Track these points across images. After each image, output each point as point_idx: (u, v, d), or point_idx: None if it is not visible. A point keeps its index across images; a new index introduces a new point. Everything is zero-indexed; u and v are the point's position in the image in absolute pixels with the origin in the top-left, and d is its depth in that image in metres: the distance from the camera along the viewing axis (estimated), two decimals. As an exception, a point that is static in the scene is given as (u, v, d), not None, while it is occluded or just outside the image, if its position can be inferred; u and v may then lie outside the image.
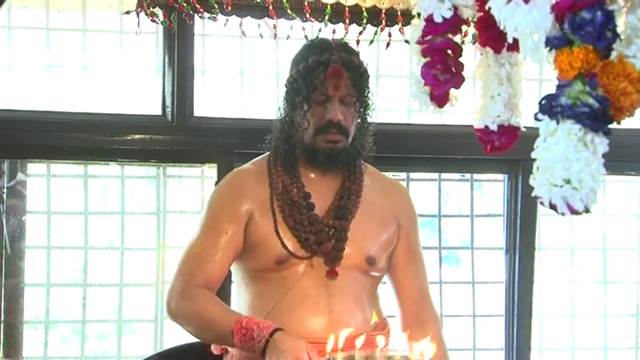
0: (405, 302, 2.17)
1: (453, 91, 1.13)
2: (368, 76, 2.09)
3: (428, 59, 1.12)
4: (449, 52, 1.10)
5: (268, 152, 2.16)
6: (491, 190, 3.02)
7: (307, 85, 2.02)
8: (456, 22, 1.11)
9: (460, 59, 1.12)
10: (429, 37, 1.11)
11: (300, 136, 2.06)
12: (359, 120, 2.09)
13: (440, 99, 1.12)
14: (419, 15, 1.11)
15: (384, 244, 2.12)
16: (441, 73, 1.11)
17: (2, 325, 2.67)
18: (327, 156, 2.06)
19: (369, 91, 2.09)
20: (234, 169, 2.27)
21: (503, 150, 1.16)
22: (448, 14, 1.09)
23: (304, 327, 2.00)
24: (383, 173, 2.29)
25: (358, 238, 2.07)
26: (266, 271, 2.08)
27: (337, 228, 2.05)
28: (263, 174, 2.13)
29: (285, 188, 2.09)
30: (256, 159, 2.20)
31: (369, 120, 2.14)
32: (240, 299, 2.15)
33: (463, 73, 1.13)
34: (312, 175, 2.11)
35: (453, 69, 1.12)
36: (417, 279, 2.18)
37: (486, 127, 1.16)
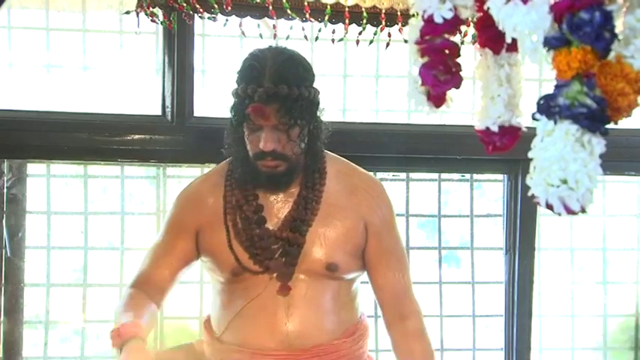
0: (383, 300, 2.13)
1: (449, 91, 1.13)
2: (307, 96, 1.97)
3: (426, 59, 1.12)
4: (447, 52, 1.10)
5: (229, 159, 2.12)
6: (491, 190, 3.02)
7: (239, 114, 1.98)
8: (455, 23, 1.11)
9: (458, 60, 1.12)
10: (427, 37, 1.11)
11: (246, 153, 2.02)
12: (305, 136, 2.01)
13: (437, 99, 1.12)
14: (417, 15, 1.11)
15: (348, 249, 2.06)
16: (442, 73, 1.11)
17: (2, 325, 2.68)
18: (268, 179, 2.01)
19: (310, 108, 1.99)
20: (195, 179, 2.25)
21: (505, 150, 1.17)
22: (449, 15, 1.09)
23: (262, 339, 2.00)
24: (355, 167, 2.19)
25: (318, 245, 2.02)
26: (227, 282, 2.08)
27: (290, 241, 2.01)
28: (219, 185, 2.11)
29: (237, 202, 2.06)
30: (217, 167, 2.18)
31: (320, 126, 2.06)
32: (212, 306, 2.16)
33: (461, 73, 1.13)
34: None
35: (453, 69, 1.12)
36: (394, 276, 2.11)
37: (487, 128, 1.16)
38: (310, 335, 2.00)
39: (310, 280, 2.02)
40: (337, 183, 2.10)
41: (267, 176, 2.00)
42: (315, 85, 2.05)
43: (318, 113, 2.05)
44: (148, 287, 2.10)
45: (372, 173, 2.31)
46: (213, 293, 2.16)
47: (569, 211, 0.90)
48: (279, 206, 2.05)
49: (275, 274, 2.00)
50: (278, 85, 1.92)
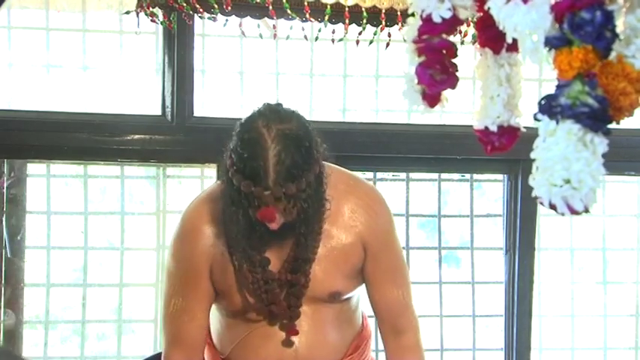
0: (379, 314, 2.07)
1: (444, 92, 1.13)
2: (313, 179, 1.81)
3: (423, 58, 1.11)
4: (444, 52, 1.10)
5: (222, 188, 1.88)
6: (490, 190, 3.02)
7: (241, 208, 1.80)
8: (453, 23, 1.11)
9: (454, 60, 1.12)
10: (425, 37, 1.11)
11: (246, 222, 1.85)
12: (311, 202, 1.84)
13: (432, 99, 1.12)
14: (415, 14, 1.11)
15: (348, 272, 1.99)
16: (439, 73, 1.11)
17: (2, 325, 2.68)
18: (274, 237, 1.87)
19: (316, 182, 1.83)
20: (187, 212, 2.04)
21: (504, 150, 1.16)
22: (447, 15, 1.09)
23: None
24: (356, 182, 2.08)
25: (319, 275, 1.94)
26: (234, 315, 2.01)
27: (293, 282, 1.92)
28: (217, 217, 1.95)
29: (228, 233, 1.92)
30: (210, 194, 2.01)
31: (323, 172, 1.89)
32: (213, 323, 2.07)
33: (457, 74, 1.13)
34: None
35: (450, 69, 1.12)
36: (391, 292, 2.04)
37: (486, 127, 1.15)
38: (318, 356, 1.98)
39: (316, 306, 1.98)
40: (337, 203, 1.95)
41: (273, 234, 1.85)
42: (316, 151, 1.86)
43: (322, 163, 1.89)
44: (191, 349, 2.00)
45: (372, 183, 2.24)
46: (214, 313, 2.06)
47: (573, 211, 0.90)
48: (281, 245, 1.92)
49: (281, 318, 1.95)
50: (285, 185, 1.75)
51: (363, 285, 2.08)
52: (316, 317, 1.99)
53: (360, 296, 2.13)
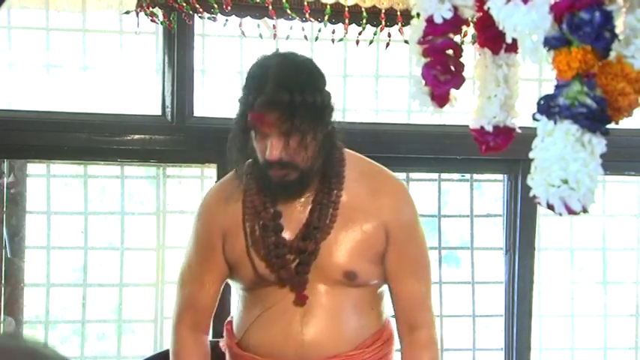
0: (397, 308, 2.06)
1: (453, 91, 1.13)
2: (312, 101, 1.88)
3: (428, 59, 1.12)
4: (449, 52, 1.10)
5: (250, 160, 2.00)
6: (490, 190, 3.02)
7: (244, 122, 1.91)
8: (456, 23, 1.11)
9: (460, 59, 1.12)
10: (429, 38, 1.11)
11: (256, 159, 1.95)
12: (317, 141, 1.91)
13: (440, 99, 1.12)
14: (418, 15, 1.11)
15: (368, 256, 1.99)
16: (441, 73, 1.11)
17: (2, 325, 2.68)
18: (280, 187, 1.94)
19: (318, 113, 1.90)
20: (214, 185, 2.19)
21: (498, 150, 1.16)
22: (448, 15, 1.09)
23: (276, 347, 1.97)
24: (380, 169, 2.09)
25: (336, 252, 1.96)
26: (246, 290, 2.06)
27: (302, 249, 1.95)
28: (239, 189, 2.03)
29: (255, 208, 2.00)
30: (228, 176, 2.11)
31: (334, 130, 1.98)
32: (235, 309, 2.14)
33: (463, 73, 1.13)
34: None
35: (454, 69, 1.12)
36: (412, 285, 2.03)
37: (482, 127, 1.16)
38: (326, 345, 1.95)
39: (328, 289, 1.97)
40: (359, 185, 2.01)
41: (278, 185, 1.93)
42: (325, 89, 1.95)
43: (332, 117, 1.97)
44: (197, 316, 2.08)
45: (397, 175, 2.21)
46: (236, 296, 2.14)
47: (571, 212, 0.90)
48: (298, 213, 1.98)
49: (289, 284, 1.96)
50: (279, 92, 1.85)
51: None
52: (330, 303, 1.98)
53: (384, 298, 2.10)
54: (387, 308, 2.13)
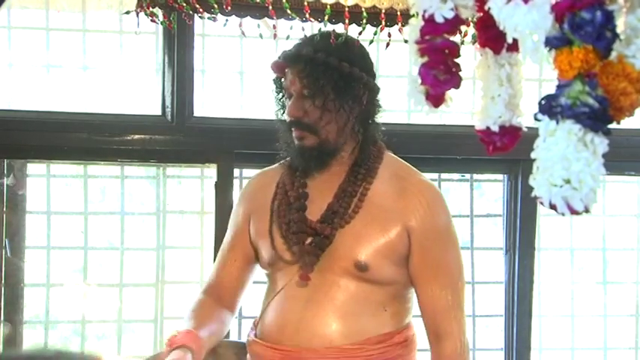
0: (424, 315, 2.04)
1: (448, 91, 1.13)
2: (337, 67, 1.94)
3: (426, 59, 1.12)
4: (447, 52, 1.10)
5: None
6: (490, 190, 3.02)
7: (276, 84, 2.03)
8: (456, 23, 1.11)
9: (457, 59, 1.12)
10: (428, 37, 1.11)
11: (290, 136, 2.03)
12: (343, 114, 1.96)
13: (436, 99, 1.12)
14: (417, 14, 1.11)
15: (385, 252, 1.97)
16: (442, 73, 1.11)
17: (2, 325, 2.67)
18: (298, 154, 2.00)
19: (345, 83, 1.95)
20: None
21: (506, 150, 1.16)
22: (450, 15, 1.09)
23: (276, 333, 1.99)
24: (414, 172, 2.11)
25: (349, 241, 1.96)
26: (268, 275, 2.10)
27: (318, 231, 1.97)
28: (277, 174, 2.12)
29: (284, 187, 2.06)
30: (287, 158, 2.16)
31: (371, 118, 2.04)
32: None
33: (461, 73, 1.13)
34: (316, 175, 2.05)
35: (453, 69, 1.12)
36: (435, 292, 1.99)
37: (488, 128, 1.15)
38: (320, 334, 1.94)
39: (338, 279, 1.96)
40: (389, 185, 2.03)
41: (297, 152, 1.99)
42: (368, 72, 2.02)
43: (372, 106, 2.02)
44: (219, 290, 2.14)
45: (431, 180, 2.21)
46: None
47: (573, 211, 0.90)
48: (324, 197, 2.01)
49: (299, 261, 1.97)
50: (304, 46, 1.94)
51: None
52: (335, 294, 1.96)
53: (408, 303, 2.07)
54: (410, 315, 2.09)
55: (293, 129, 1.98)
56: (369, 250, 1.96)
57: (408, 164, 2.14)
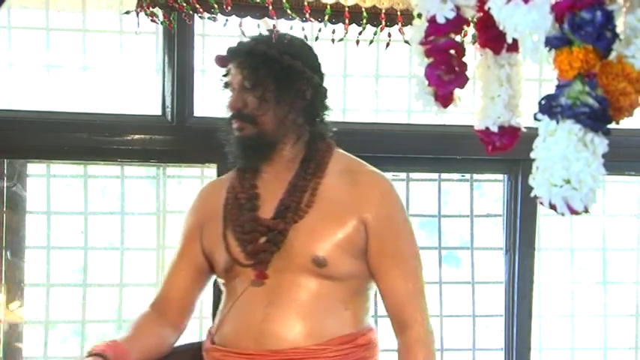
0: (386, 308, 2.03)
1: (456, 91, 1.13)
2: (278, 59, 1.97)
3: (431, 60, 1.12)
4: (452, 52, 1.11)
5: None
6: (490, 190, 3.02)
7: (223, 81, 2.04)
8: (458, 23, 1.11)
9: (463, 59, 1.12)
10: (431, 38, 1.11)
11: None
12: (279, 103, 1.97)
13: (444, 99, 1.12)
14: (420, 15, 1.11)
15: (342, 245, 1.95)
16: (445, 73, 1.11)
17: (2, 325, 2.67)
18: (238, 146, 2.00)
19: (286, 76, 1.97)
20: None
21: (505, 150, 1.17)
22: (451, 15, 1.09)
23: (238, 339, 1.96)
24: (364, 165, 2.10)
25: (305, 238, 1.94)
26: (224, 284, 2.07)
27: (271, 227, 1.96)
28: (227, 181, 2.12)
29: (234, 190, 2.05)
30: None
31: (317, 114, 2.04)
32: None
33: (466, 73, 1.13)
34: (265, 175, 2.05)
35: (457, 69, 1.12)
36: (396, 282, 1.98)
37: (487, 128, 1.16)
38: (285, 336, 1.92)
39: (297, 279, 1.94)
40: (340, 178, 2.03)
41: (238, 142, 1.99)
42: (312, 69, 2.04)
43: (312, 97, 2.02)
44: (164, 304, 2.13)
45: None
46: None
47: (573, 212, 0.90)
48: (275, 195, 2.01)
49: (254, 260, 1.95)
50: (245, 41, 1.99)
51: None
52: (296, 294, 1.94)
53: (367, 302, 2.07)
54: (369, 315, 2.07)
55: (233, 121, 1.99)
56: (326, 245, 1.95)
57: (358, 159, 2.12)
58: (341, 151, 2.11)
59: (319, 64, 2.09)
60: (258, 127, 1.97)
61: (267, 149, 2.00)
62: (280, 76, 1.96)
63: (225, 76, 2.04)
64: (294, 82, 1.98)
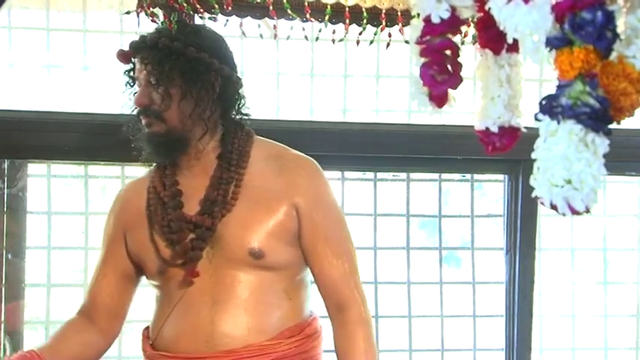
0: (322, 290, 1.99)
1: (451, 91, 1.13)
2: (182, 51, 1.90)
3: (426, 59, 1.12)
4: (447, 52, 1.11)
5: None
6: (491, 190, 3.02)
7: (128, 76, 2.01)
8: (454, 23, 1.11)
9: (458, 60, 1.12)
10: (427, 38, 1.11)
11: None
12: (186, 97, 1.91)
13: (439, 99, 1.12)
14: (418, 15, 1.11)
15: (276, 233, 1.92)
16: (438, 73, 1.11)
17: (2, 325, 2.67)
18: (149, 144, 1.95)
19: (192, 68, 1.90)
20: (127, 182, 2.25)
21: (504, 150, 1.17)
22: (446, 15, 1.09)
23: (187, 342, 1.92)
24: (288, 149, 2.06)
25: (238, 230, 1.90)
26: (159, 287, 2.03)
27: (199, 225, 1.92)
28: (146, 181, 2.07)
29: (155, 190, 2.01)
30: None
31: (233, 105, 2.00)
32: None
33: (461, 73, 1.13)
34: (186, 170, 2.00)
35: (451, 69, 1.12)
36: (330, 263, 1.95)
37: (487, 128, 1.16)
38: (236, 335, 1.88)
39: (237, 273, 1.91)
40: (265, 165, 1.98)
41: (147, 138, 1.95)
42: (221, 60, 1.98)
43: (223, 88, 1.96)
44: (90, 309, 2.10)
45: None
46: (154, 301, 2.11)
47: (574, 212, 0.90)
48: (199, 190, 1.96)
49: (184, 259, 1.91)
50: (147, 36, 1.93)
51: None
52: (239, 290, 1.91)
53: (307, 290, 2.04)
54: (311, 302, 2.06)
55: (141, 117, 1.94)
56: (260, 236, 1.91)
57: (279, 144, 2.08)
58: (261, 138, 2.06)
59: (230, 53, 2.03)
60: (166, 124, 1.92)
61: (178, 145, 1.95)
62: (186, 69, 1.90)
63: (131, 71, 1.98)
64: (201, 75, 1.92)
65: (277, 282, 1.95)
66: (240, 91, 2.03)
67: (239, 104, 2.03)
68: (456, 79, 1.12)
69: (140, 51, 1.93)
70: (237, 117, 2.03)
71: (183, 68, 1.90)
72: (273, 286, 1.94)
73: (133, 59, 1.97)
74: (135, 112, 1.98)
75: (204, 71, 1.93)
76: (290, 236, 1.95)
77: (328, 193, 2.02)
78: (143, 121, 1.95)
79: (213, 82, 1.94)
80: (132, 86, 2.00)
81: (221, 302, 1.90)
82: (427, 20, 1.10)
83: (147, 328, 2.11)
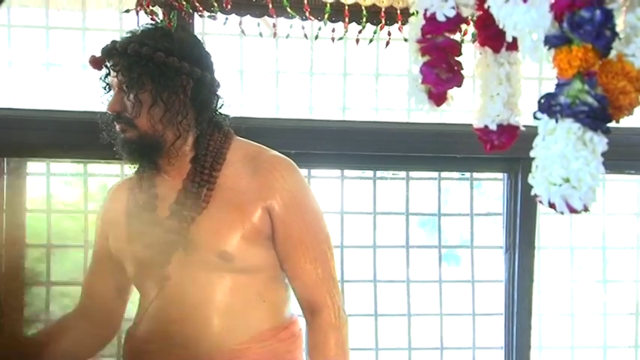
0: (296, 292, 1.99)
1: (449, 90, 1.13)
2: (151, 56, 1.88)
3: (428, 58, 1.12)
4: (448, 50, 1.11)
5: None
6: (490, 188, 3.02)
7: (103, 81, 2.01)
8: (457, 21, 1.11)
9: (458, 58, 1.12)
10: (429, 36, 1.11)
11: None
12: (156, 103, 1.89)
13: (438, 98, 1.13)
14: (417, 13, 1.11)
15: (247, 236, 1.90)
16: (444, 72, 1.11)
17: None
18: (123, 149, 1.96)
19: (163, 74, 1.89)
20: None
21: (503, 149, 1.17)
22: (451, 13, 1.09)
23: (156, 345, 1.93)
24: (264, 149, 2.03)
25: (209, 233, 1.89)
26: (135, 282, 2.07)
27: (169, 228, 1.92)
28: (129, 184, 2.09)
29: (133, 191, 2.03)
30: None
31: (206, 107, 1.98)
32: None
33: (462, 72, 1.13)
34: (165, 173, 2.00)
35: (455, 68, 1.12)
36: (303, 267, 1.94)
37: (486, 126, 1.16)
38: (209, 338, 1.88)
39: (211, 276, 1.90)
40: (241, 167, 1.97)
41: (122, 144, 1.95)
42: (192, 62, 1.95)
43: (195, 90, 1.94)
44: (90, 308, 2.13)
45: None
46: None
47: (572, 210, 0.90)
48: (174, 193, 1.96)
49: (157, 261, 1.93)
50: (118, 41, 1.92)
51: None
52: (208, 294, 1.90)
53: (284, 292, 2.04)
54: (289, 305, 2.05)
55: (115, 123, 1.95)
56: (231, 239, 1.90)
57: (258, 144, 2.05)
58: (240, 139, 2.05)
59: (205, 54, 2.00)
60: (138, 130, 1.92)
61: (151, 150, 1.94)
62: (155, 74, 1.88)
63: (107, 77, 1.98)
64: (170, 80, 1.90)
65: (251, 284, 1.94)
66: (216, 92, 2.01)
67: (215, 105, 2.01)
68: (459, 78, 1.13)
69: (111, 57, 1.94)
70: (215, 118, 2.02)
71: (153, 74, 1.88)
72: (246, 289, 1.93)
73: (104, 65, 1.97)
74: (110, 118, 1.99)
75: (173, 76, 1.90)
76: (263, 239, 1.94)
77: (304, 195, 1.99)
78: (117, 127, 1.96)
79: (185, 86, 1.92)
80: (108, 91, 2.00)
81: (195, 305, 1.90)
82: (431, 18, 1.10)
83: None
